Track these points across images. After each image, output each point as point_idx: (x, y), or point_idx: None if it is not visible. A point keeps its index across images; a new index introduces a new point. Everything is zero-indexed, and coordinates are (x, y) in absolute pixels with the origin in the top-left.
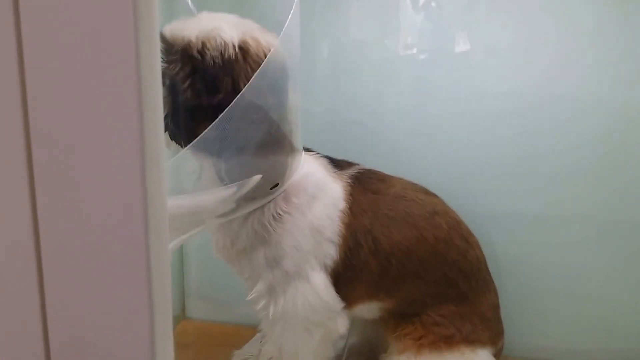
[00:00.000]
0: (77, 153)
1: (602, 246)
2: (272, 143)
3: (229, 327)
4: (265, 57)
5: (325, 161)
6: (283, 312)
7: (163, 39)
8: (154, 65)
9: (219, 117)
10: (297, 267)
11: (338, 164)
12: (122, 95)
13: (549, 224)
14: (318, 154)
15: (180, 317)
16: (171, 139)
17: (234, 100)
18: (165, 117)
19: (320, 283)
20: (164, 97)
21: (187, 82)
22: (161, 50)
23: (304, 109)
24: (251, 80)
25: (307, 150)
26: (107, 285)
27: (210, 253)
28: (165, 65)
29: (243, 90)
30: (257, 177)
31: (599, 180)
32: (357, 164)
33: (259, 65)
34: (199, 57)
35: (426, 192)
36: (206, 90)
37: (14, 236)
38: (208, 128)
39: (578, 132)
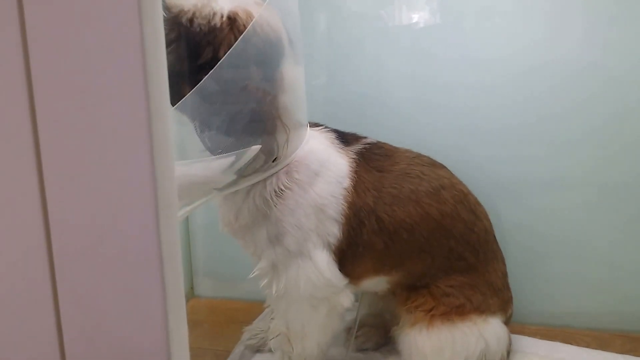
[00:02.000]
0: (83, 130)
1: (605, 209)
2: (263, 115)
3: (238, 304)
4: (255, 30)
5: (332, 135)
6: (286, 289)
7: (164, 6)
8: (159, 37)
9: (200, 82)
10: (299, 246)
11: (345, 139)
12: (127, 69)
13: (551, 189)
14: (326, 127)
15: (189, 295)
16: None
17: (216, 66)
18: None
19: (322, 261)
20: None
21: (170, 48)
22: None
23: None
24: (232, 47)
25: (314, 124)
26: (118, 268)
27: (217, 231)
28: None
29: (224, 57)
30: (256, 148)
31: (598, 143)
32: (365, 138)
33: (246, 36)
34: (188, 24)
35: (433, 164)
36: (188, 56)
37: (22, 217)
38: (190, 92)
39: (574, 96)
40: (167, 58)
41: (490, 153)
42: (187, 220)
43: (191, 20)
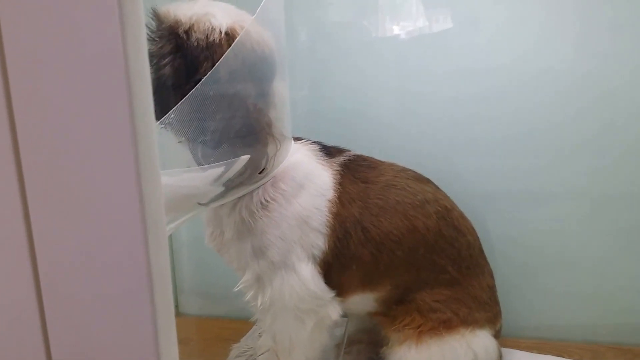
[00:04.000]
0: (66, 142)
1: (597, 221)
2: (256, 129)
3: (225, 322)
4: (252, 47)
5: (315, 148)
6: (271, 302)
7: (155, 15)
8: (141, 47)
9: (189, 94)
10: (283, 257)
11: (329, 151)
12: (109, 80)
13: (542, 201)
14: (308, 140)
15: (174, 313)
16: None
17: (205, 78)
18: None
19: (307, 273)
20: None
21: (167, 59)
22: (150, 26)
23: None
24: (221, 60)
25: (297, 139)
26: (107, 288)
27: (201, 248)
28: (151, 40)
29: (214, 68)
30: (245, 158)
31: (590, 154)
32: (348, 151)
33: (243, 53)
34: (185, 36)
35: (418, 178)
36: (185, 70)
37: (6, 234)
38: (178, 104)
39: (565, 107)
40: (164, 71)
41: (479, 165)
42: (170, 238)
43: (188, 33)
